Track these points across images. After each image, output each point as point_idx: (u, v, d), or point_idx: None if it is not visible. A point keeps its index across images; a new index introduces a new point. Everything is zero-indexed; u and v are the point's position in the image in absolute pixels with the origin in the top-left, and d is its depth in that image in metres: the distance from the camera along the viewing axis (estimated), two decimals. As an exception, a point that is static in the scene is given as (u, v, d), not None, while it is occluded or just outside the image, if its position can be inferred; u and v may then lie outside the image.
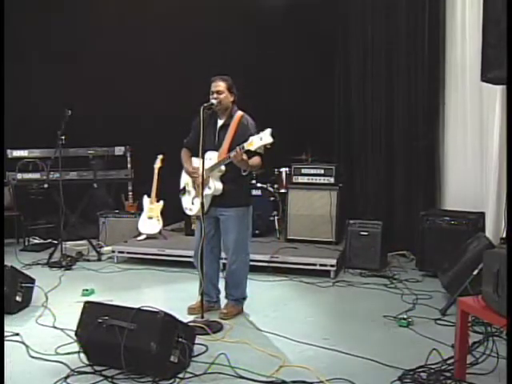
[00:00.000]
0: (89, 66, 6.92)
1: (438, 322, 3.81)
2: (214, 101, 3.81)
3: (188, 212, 4.09)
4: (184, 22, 6.79)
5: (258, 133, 3.56)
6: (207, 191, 3.82)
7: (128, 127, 6.75)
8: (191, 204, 4.02)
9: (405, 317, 3.81)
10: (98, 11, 6.92)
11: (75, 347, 3.20)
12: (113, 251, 5.77)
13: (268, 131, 3.47)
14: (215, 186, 3.85)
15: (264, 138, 3.47)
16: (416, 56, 5.77)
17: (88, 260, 5.77)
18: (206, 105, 3.74)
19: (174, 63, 6.88)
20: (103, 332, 2.95)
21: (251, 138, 3.55)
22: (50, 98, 6.62)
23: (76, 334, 3.12)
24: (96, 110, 6.79)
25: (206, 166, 3.77)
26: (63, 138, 5.44)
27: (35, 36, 6.85)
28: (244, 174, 3.80)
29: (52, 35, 6.89)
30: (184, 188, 4.11)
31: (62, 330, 3.64)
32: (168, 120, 6.68)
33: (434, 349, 3.02)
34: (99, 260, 5.80)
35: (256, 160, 3.76)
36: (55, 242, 6.01)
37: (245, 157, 3.65)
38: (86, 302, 3.19)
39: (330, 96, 6.69)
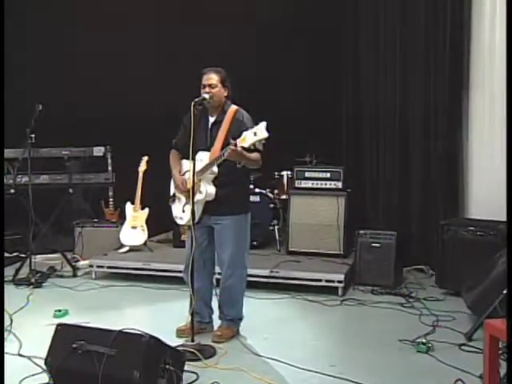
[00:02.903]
0: (65, 61, 6.97)
1: (463, 347, 3.79)
2: (206, 95, 3.80)
3: (178, 221, 4.09)
4: (182, 22, 6.87)
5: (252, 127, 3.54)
6: (198, 196, 3.80)
7: (109, 125, 6.74)
8: (182, 212, 4.01)
9: (424, 341, 3.79)
10: (78, 10, 6.99)
11: (44, 378, 3.19)
12: (90, 266, 5.75)
13: (263, 125, 3.45)
14: (207, 190, 3.84)
15: (258, 134, 3.45)
16: (436, 44, 5.75)
17: (61, 276, 5.75)
18: (196, 100, 3.73)
19: (165, 60, 6.93)
20: (78, 359, 2.93)
21: (244, 134, 3.53)
22: (19, 91, 6.63)
23: (45, 363, 3.09)
24: (73, 106, 6.80)
25: (197, 168, 3.75)
26: (33, 136, 5.43)
27: (13, 31, 6.85)
28: (239, 166, 3.73)
29: (33, 30, 6.95)
30: (174, 194, 4.10)
31: (28, 358, 3.59)
32: (154, 118, 6.71)
33: (459, 379, 3.02)
34: (74, 276, 5.78)
35: (254, 154, 3.72)
36: (23, 255, 5.99)
37: (240, 149, 3.56)
38: (59, 325, 3.17)
39: (337, 92, 6.71)
